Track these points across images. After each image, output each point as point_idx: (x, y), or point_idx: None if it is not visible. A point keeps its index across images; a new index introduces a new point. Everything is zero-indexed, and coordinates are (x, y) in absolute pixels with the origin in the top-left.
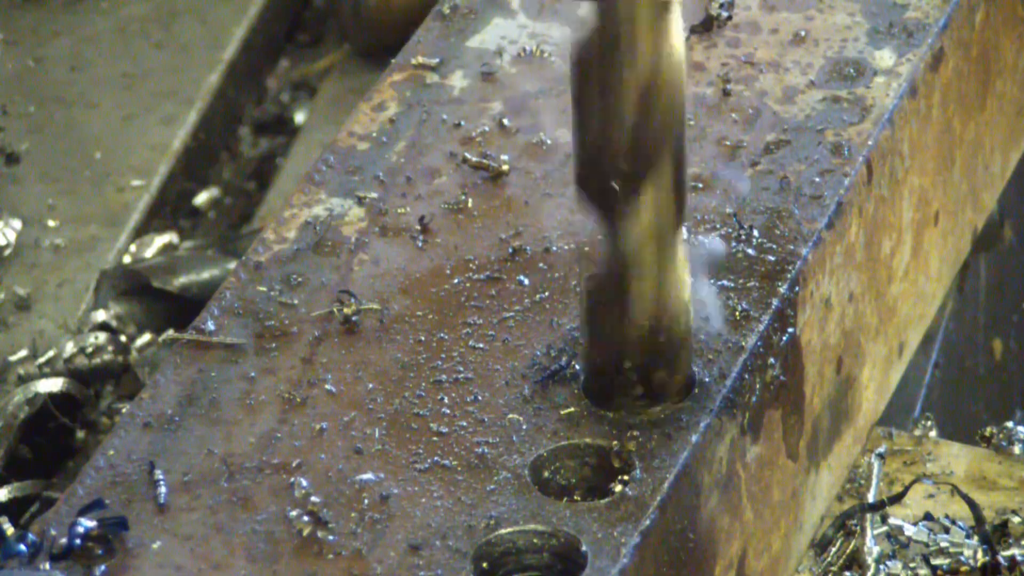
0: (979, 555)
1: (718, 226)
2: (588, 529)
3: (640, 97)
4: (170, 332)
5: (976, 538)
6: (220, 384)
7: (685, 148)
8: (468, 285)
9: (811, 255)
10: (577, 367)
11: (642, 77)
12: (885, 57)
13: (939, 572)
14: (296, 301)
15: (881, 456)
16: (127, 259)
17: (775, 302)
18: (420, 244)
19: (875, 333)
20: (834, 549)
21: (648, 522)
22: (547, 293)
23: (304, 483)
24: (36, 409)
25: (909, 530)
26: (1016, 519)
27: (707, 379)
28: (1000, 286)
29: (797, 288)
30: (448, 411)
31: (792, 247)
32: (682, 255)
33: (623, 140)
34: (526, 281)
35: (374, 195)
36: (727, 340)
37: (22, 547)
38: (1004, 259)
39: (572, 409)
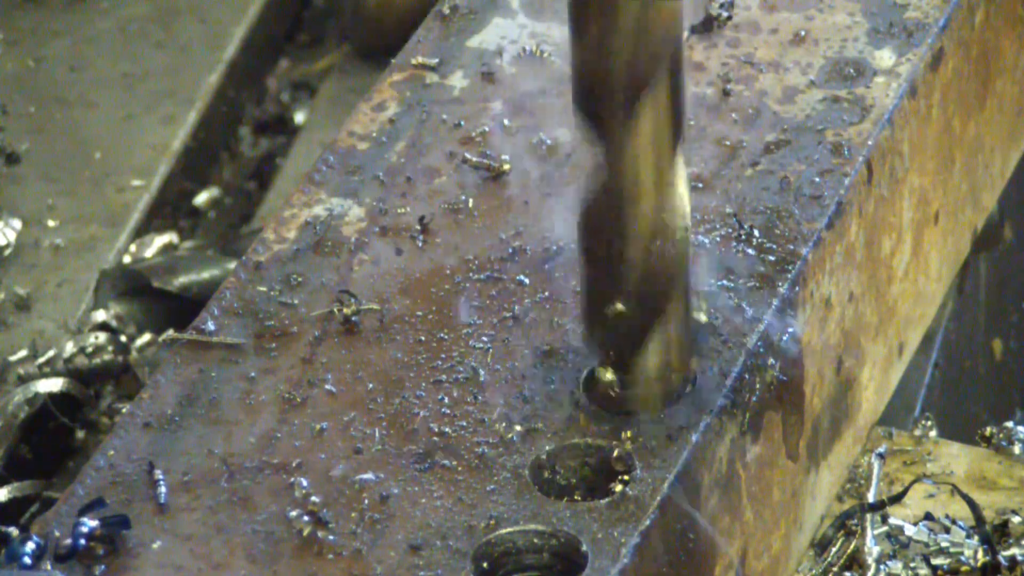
0: (979, 555)
1: (718, 226)
2: (588, 529)
3: (638, 14)
4: (170, 332)
5: (976, 538)
6: (220, 384)
7: (683, 68)
8: (468, 285)
9: (811, 255)
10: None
11: None
12: (885, 57)
13: (939, 572)
14: (296, 301)
15: (881, 456)
16: (127, 259)
17: (775, 302)
18: (420, 244)
19: (875, 333)
20: (834, 549)
21: (648, 522)
22: (547, 293)
23: (304, 483)
24: (36, 409)
25: (909, 530)
26: (1016, 519)
27: (707, 379)
28: (1000, 286)
29: (797, 288)
30: (448, 411)
31: (792, 247)
32: (681, 175)
33: (621, 58)
34: (526, 281)
35: (374, 195)
36: (727, 340)
37: (28, 550)
38: (1004, 259)
39: (572, 408)
